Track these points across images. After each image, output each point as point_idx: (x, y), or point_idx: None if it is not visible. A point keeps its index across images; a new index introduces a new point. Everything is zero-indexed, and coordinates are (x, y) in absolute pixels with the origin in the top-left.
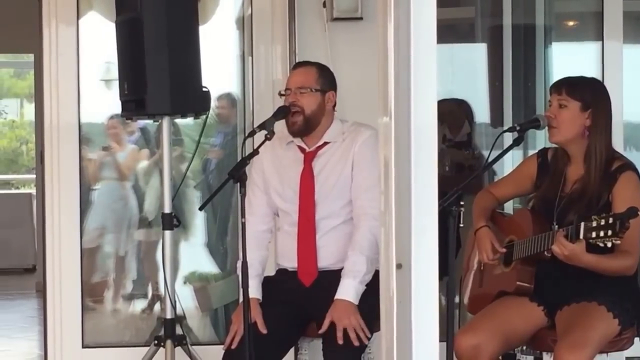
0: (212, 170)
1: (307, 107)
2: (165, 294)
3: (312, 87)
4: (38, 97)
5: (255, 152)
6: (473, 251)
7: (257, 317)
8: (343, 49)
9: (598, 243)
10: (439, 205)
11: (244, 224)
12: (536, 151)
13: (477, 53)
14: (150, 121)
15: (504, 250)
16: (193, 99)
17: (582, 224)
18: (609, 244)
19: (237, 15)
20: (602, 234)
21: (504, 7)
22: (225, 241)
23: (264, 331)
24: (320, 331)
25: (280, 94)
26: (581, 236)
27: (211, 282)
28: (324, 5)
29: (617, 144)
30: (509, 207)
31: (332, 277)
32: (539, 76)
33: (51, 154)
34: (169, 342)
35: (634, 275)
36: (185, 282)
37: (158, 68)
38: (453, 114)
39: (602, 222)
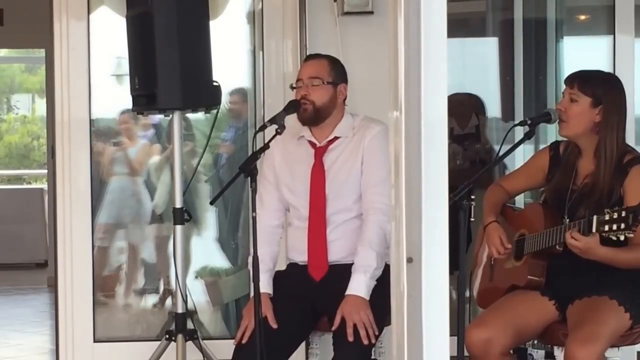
0: (223, 164)
1: (318, 100)
2: (176, 289)
3: (324, 78)
4: (49, 93)
5: (266, 146)
6: (482, 246)
7: (267, 311)
8: (353, 43)
9: (611, 236)
10: (450, 199)
11: (254, 219)
12: (548, 144)
13: (488, 47)
14: (162, 116)
15: (510, 247)
16: (204, 94)
17: (595, 217)
18: (622, 237)
19: (248, 10)
20: (615, 227)
21: (515, 1)
22: (237, 236)
23: (275, 326)
24: (333, 328)
25: (292, 87)
26: (594, 229)
27: (222, 277)
28: None
29: (629, 138)
30: (520, 201)
31: (343, 271)
32: (550, 70)
33: (62, 149)
34: (180, 337)
35: None
36: (196, 277)
37: (169, 63)
38: (460, 106)
39: (615, 216)
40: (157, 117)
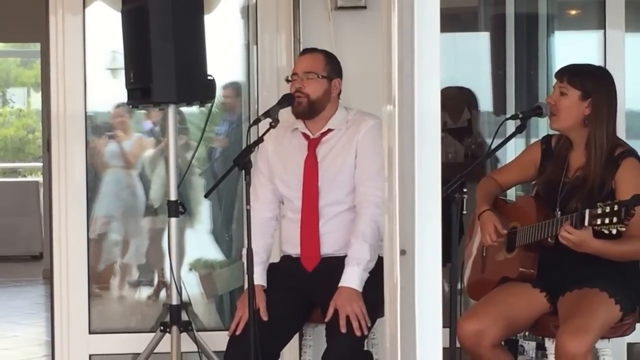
0: (217, 158)
1: (313, 94)
2: (171, 281)
3: (319, 72)
4: (45, 86)
5: (260, 139)
6: (472, 239)
7: (260, 303)
8: (347, 38)
9: (603, 230)
10: (443, 192)
11: (248, 212)
12: (539, 138)
13: (480, 42)
14: (155, 124)
15: (506, 232)
16: (198, 88)
17: (587, 211)
18: (614, 231)
19: (242, 4)
20: (607, 221)
21: None
22: (231, 228)
23: (265, 318)
24: (326, 320)
25: (287, 80)
26: (586, 223)
27: (216, 269)
28: None
29: (619, 132)
30: (512, 195)
31: (336, 263)
32: (542, 65)
33: (58, 143)
34: (174, 328)
35: (636, 262)
36: (190, 269)
37: (163, 57)
38: (453, 100)
39: (607, 209)
40: (150, 124)
